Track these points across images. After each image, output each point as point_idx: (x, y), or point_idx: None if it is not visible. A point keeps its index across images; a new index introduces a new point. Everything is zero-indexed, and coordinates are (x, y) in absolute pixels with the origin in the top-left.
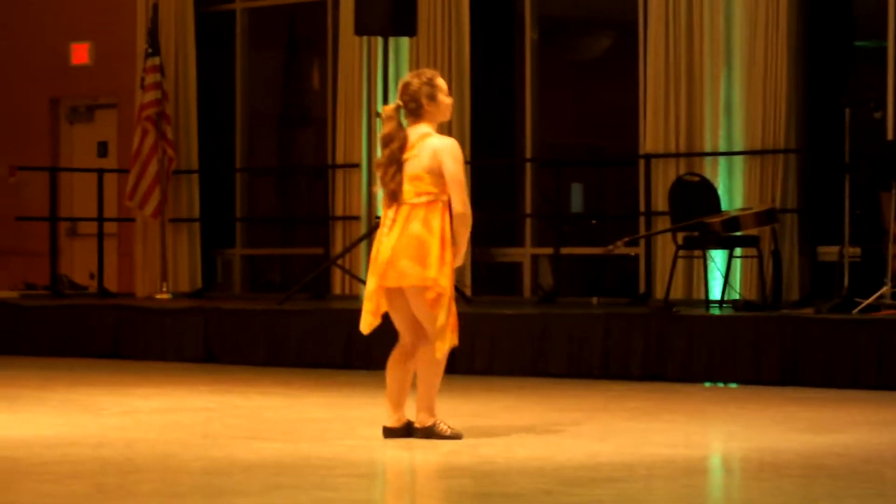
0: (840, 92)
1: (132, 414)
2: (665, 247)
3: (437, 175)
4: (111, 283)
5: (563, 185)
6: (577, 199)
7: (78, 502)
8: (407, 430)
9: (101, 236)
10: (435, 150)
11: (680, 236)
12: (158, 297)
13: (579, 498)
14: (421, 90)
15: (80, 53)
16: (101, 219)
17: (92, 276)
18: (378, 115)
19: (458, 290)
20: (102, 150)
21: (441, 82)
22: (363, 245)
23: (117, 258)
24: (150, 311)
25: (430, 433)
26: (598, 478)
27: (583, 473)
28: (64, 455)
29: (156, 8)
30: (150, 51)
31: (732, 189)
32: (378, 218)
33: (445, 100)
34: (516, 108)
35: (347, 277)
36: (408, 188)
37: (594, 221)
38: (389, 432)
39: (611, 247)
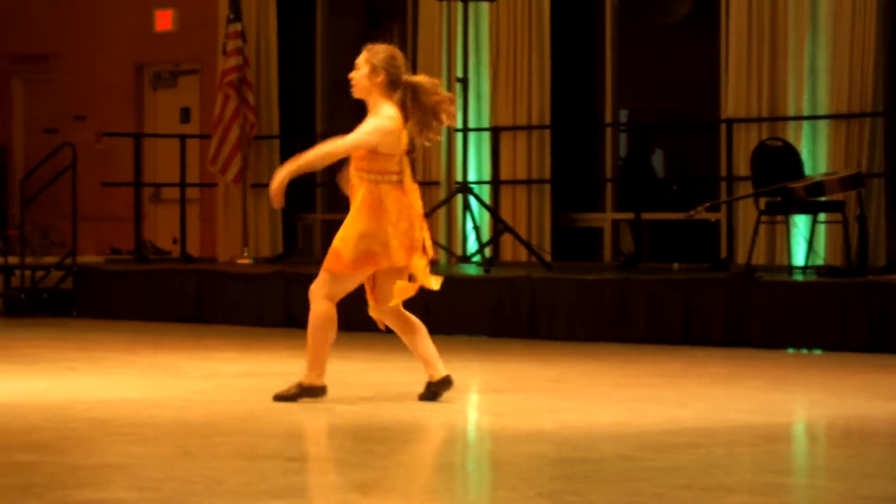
0: None
1: (214, 378)
2: (747, 212)
3: (375, 152)
4: (193, 248)
5: (644, 150)
6: (658, 163)
7: (163, 463)
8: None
9: (183, 202)
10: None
11: (762, 201)
12: (240, 261)
13: (660, 463)
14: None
15: (164, 20)
16: (183, 184)
17: (175, 241)
18: (459, 80)
19: (538, 256)
20: (185, 115)
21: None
22: (443, 210)
23: (199, 223)
24: (231, 276)
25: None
26: (679, 443)
27: (664, 439)
28: (149, 417)
29: None
30: (231, 17)
31: (816, 154)
32: (458, 183)
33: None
34: (597, 73)
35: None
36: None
37: (675, 187)
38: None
39: (692, 212)
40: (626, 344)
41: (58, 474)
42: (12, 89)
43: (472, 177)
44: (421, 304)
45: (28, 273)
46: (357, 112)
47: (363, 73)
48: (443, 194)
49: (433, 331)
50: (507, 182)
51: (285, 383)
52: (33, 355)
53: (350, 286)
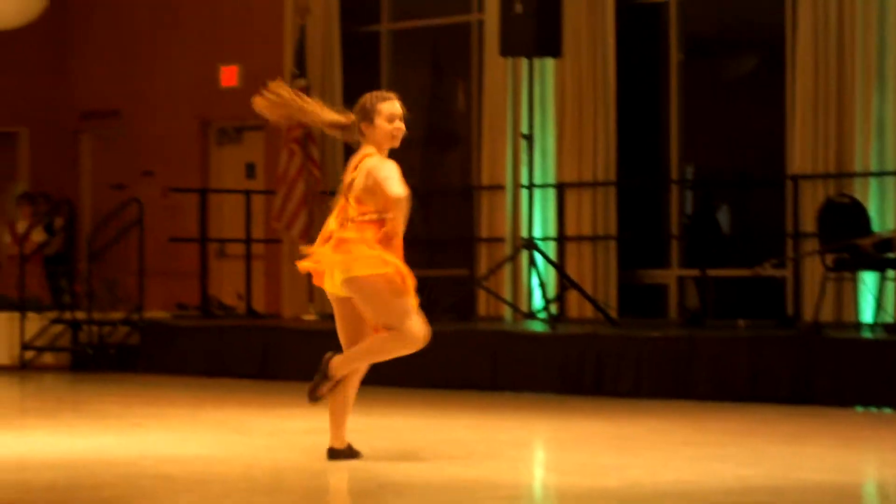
0: None
1: (280, 434)
2: (814, 269)
3: (372, 193)
4: (259, 304)
5: (709, 206)
6: (723, 220)
7: None
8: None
9: (248, 257)
10: (368, 169)
11: (830, 258)
12: (305, 317)
13: None
14: (360, 111)
15: (229, 76)
16: (248, 240)
17: (240, 297)
18: (525, 136)
19: (603, 312)
20: (250, 171)
21: (387, 107)
22: (508, 266)
23: (265, 279)
24: (296, 332)
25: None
26: (747, 502)
27: (732, 498)
28: (215, 474)
29: (303, 30)
30: (296, 72)
31: (884, 210)
32: (524, 239)
33: (384, 125)
34: (662, 129)
35: (492, 299)
36: (353, 206)
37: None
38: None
39: (758, 268)
40: (692, 401)
41: None
42: (81, 145)
43: (537, 233)
44: (488, 361)
45: (95, 328)
46: (426, 168)
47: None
48: (508, 251)
49: (500, 387)
50: (573, 238)
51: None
52: (101, 411)
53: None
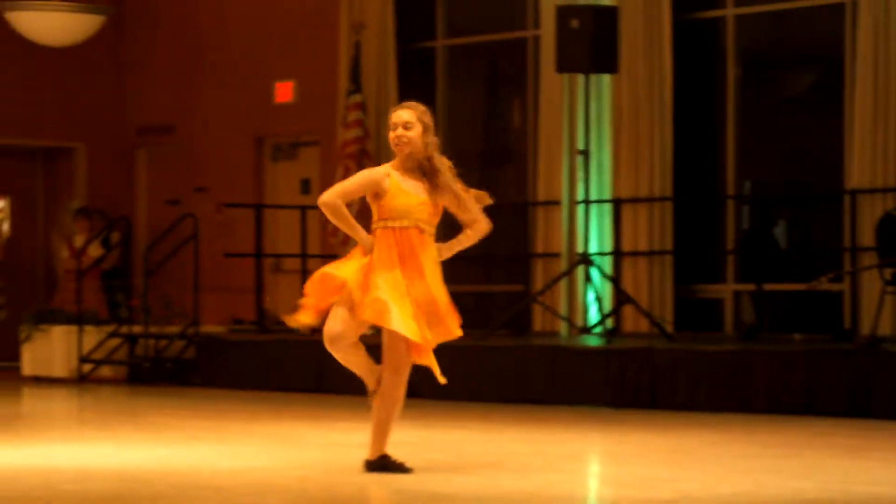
0: None
1: (335, 447)
2: (871, 283)
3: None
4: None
5: (766, 220)
6: (780, 234)
7: None
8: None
9: (304, 272)
10: None
11: (888, 272)
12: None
13: None
14: None
15: (284, 92)
16: (304, 255)
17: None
18: (581, 152)
19: (659, 327)
20: (305, 186)
21: (392, 116)
22: (564, 281)
23: None
24: None
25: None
26: None
27: None
28: (270, 487)
29: (358, 46)
30: (352, 88)
31: None
32: (580, 254)
33: (390, 134)
34: (718, 144)
35: (548, 314)
36: None
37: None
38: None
39: (815, 283)
40: (748, 414)
41: None
42: (137, 161)
43: (593, 248)
44: (543, 375)
45: (152, 342)
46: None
47: (419, 132)
48: (564, 266)
49: (555, 401)
50: (629, 253)
51: (405, 454)
52: (158, 423)
53: None
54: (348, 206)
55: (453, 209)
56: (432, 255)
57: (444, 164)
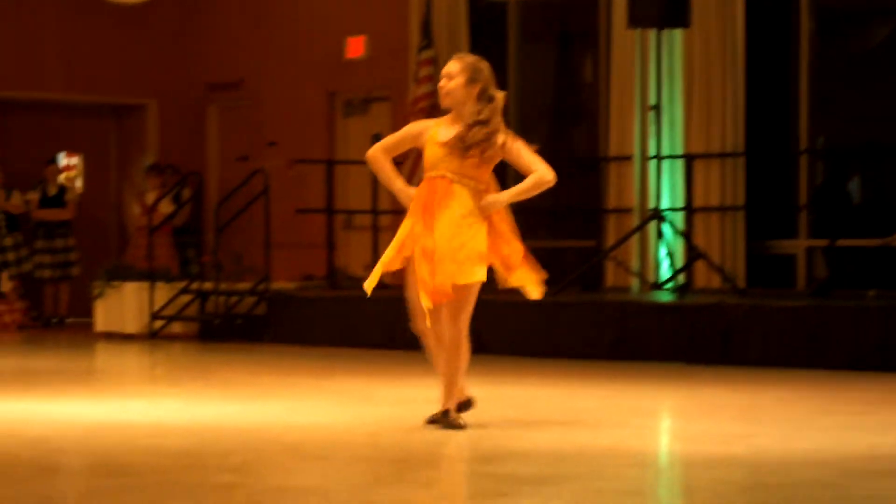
0: None
1: (406, 403)
2: None
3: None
4: (385, 274)
5: (840, 176)
6: (854, 190)
7: (356, 488)
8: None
9: (375, 228)
10: None
11: None
12: None
13: (862, 490)
14: None
15: (356, 47)
16: (375, 211)
17: (367, 268)
18: (653, 107)
19: (731, 282)
20: (377, 142)
21: (444, 67)
22: (636, 237)
23: None
24: None
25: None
26: (880, 470)
27: (863, 465)
28: (342, 442)
29: (429, 1)
30: (423, 43)
31: None
32: (652, 210)
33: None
34: (791, 100)
35: (620, 269)
36: None
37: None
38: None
39: (890, 238)
40: (821, 371)
41: (253, 495)
42: (208, 117)
43: (665, 204)
44: (615, 331)
45: (222, 299)
46: (554, 139)
47: (459, 83)
48: (636, 221)
49: (627, 357)
50: (701, 209)
51: (477, 410)
52: (228, 379)
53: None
54: (404, 158)
55: (506, 159)
56: (459, 204)
57: (496, 104)
